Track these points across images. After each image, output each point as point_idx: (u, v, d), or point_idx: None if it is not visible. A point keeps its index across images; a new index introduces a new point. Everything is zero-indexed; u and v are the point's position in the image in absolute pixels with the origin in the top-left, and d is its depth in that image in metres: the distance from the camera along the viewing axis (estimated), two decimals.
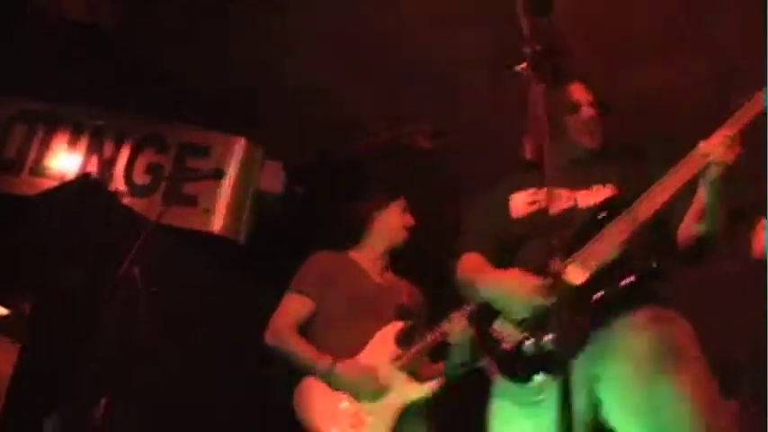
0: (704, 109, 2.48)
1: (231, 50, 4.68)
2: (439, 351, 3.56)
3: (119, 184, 5.09)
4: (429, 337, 3.52)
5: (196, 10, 4.44)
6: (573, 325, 2.24)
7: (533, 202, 2.69)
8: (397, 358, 3.53)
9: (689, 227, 2.51)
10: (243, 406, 4.64)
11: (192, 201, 4.96)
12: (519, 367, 2.46)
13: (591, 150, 2.79)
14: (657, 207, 2.43)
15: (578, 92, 2.86)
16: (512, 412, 2.53)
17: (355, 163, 5.23)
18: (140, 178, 5.10)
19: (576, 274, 2.39)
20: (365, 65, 4.58)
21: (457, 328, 3.38)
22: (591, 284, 2.40)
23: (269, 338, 3.60)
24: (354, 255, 3.89)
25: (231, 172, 5.04)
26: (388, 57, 4.49)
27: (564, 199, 2.61)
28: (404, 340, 3.61)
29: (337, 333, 3.57)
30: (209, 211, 4.96)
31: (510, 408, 2.54)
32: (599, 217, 2.52)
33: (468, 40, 4.27)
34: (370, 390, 3.42)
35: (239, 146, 5.13)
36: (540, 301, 2.40)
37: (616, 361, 2.37)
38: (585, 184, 2.67)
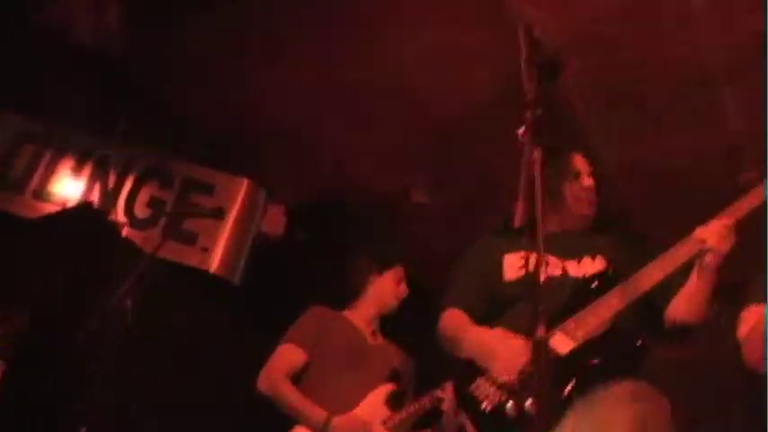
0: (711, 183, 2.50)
1: (241, 91, 4.71)
2: (427, 418, 3.56)
3: (119, 215, 5.10)
4: (421, 402, 3.54)
5: (208, 46, 4.48)
6: (554, 392, 2.24)
7: (524, 266, 2.69)
8: (389, 419, 3.54)
9: (678, 307, 2.54)
10: None
11: (191, 238, 4.97)
12: (496, 429, 2.42)
13: (585, 219, 2.82)
14: (652, 285, 2.45)
15: (580, 162, 2.91)
16: None
17: (356, 214, 5.24)
18: (141, 211, 5.11)
19: (562, 343, 2.39)
20: (367, 114, 4.63)
21: (449, 394, 3.37)
22: (575, 354, 2.38)
23: (262, 386, 3.60)
24: (349, 314, 3.91)
25: (233, 212, 5.06)
26: (391, 106, 4.53)
27: (552, 266, 2.62)
28: (395, 403, 3.62)
29: (329, 388, 3.56)
30: (207, 250, 4.96)
31: None
32: (591, 287, 2.54)
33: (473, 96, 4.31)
34: None
35: (243, 186, 5.15)
36: (522, 362, 2.38)
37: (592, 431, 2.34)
38: (575, 254, 2.69)
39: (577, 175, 2.85)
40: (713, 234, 2.37)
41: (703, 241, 2.38)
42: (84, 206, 4.95)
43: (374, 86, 4.41)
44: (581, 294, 2.52)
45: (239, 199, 5.11)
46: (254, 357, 3.75)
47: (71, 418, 3.38)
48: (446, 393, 3.36)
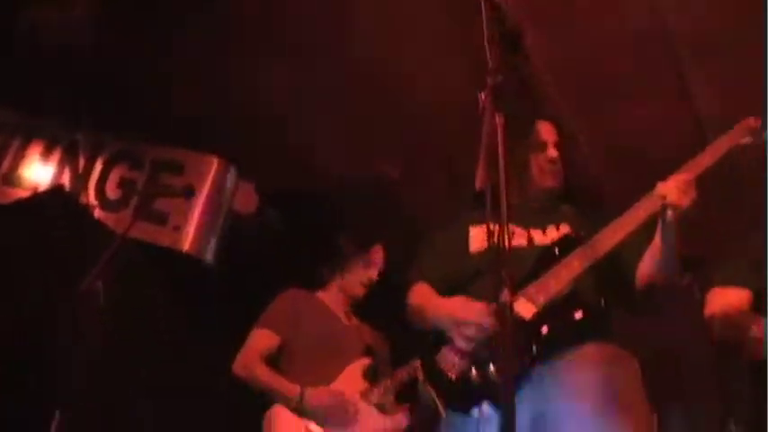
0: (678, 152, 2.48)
1: (212, 75, 4.70)
2: (406, 390, 3.58)
3: (90, 197, 5.08)
4: (398, 374, 3.58)
5: (179, 31, 4.45)
6: (518, 356, 2.25)
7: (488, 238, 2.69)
8: (366, 392, 3.57)
9: (643, 268, 2.52)
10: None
11: (163, 218, 4.96)
12: (463, 397, 2.42)
13: (550, 191, 2.79)
14: (613, 245, 2.44)
15: (546, 131, 2.85)
16: None
17: (328, 193, 5.24)
18: (112, 193, 5.11)
19: (525, 308, 2.38)
20: (338, 96, 4.62)
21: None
22: (539, 318, 2.39)
23: (237, 370, 3.63)
24: (322, 295, 3.94)
25: (204, 190, 5.05)
26: (362, 89, 4.52)
27: (518, 236, 2.61)
28: (371, 376, 3.66)
29: (305, 370, 3.59)
30: (179, 229, 4.95)
31: None
32: (555, 252, 2.53)
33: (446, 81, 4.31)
34: (340, 416, 3.44)
35: (213, 165, 5.15)
36: (485, 324, 2.37)
37: (560, 397, 2.34)
38: (540, 223, 2.67)
39: (543, 147, 2.79)
40: (673, 189, 2.32)
41: (663, 197, 2.33)
42: (55, 190, 4.93)
43: (347, 73, 4.41)
44: (545, 261, 2.51)
45: (209, 177, 5.10)
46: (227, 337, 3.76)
47: (45, 403, 3.37)
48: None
